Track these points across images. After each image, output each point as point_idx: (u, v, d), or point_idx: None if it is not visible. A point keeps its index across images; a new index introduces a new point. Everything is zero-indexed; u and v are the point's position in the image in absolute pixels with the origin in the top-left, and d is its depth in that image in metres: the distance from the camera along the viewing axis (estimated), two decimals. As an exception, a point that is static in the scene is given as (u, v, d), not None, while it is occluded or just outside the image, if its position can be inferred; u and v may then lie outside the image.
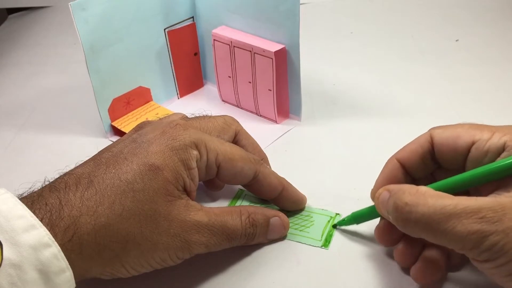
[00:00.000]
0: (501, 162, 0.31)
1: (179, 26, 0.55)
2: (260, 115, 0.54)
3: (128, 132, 0.39)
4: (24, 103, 0.61)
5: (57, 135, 0.55)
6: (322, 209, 0.42)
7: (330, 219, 0.41)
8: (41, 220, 0.30)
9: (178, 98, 0.59)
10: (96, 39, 0.49)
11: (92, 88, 0.50)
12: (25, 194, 0.33)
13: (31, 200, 0.31)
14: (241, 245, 0.38)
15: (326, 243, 0.39)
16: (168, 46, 0.55)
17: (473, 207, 0.29)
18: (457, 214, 0.29)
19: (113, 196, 0.32)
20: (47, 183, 0.34)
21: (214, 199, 0.44)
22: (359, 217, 0.38)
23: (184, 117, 0.41)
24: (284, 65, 0.50)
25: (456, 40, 0.67)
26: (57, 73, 0.67)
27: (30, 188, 0.34)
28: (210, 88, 0.60)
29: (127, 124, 0.53)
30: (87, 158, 0.36)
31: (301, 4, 0.46)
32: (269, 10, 0.48)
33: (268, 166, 0.43)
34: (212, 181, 0.42)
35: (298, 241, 0.39)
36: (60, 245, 0.30)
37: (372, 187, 0.37)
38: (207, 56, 0.59)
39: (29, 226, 0.29)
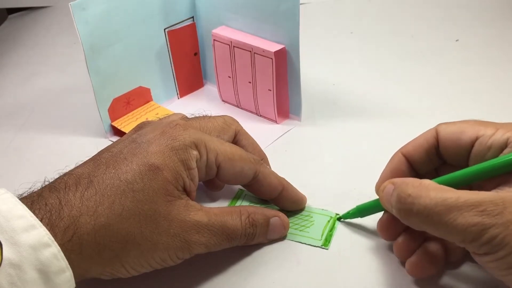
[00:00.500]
0: (504, 158, 0.31)
1: (179, 26, 0.55)
2: (260, 115, 0.54)
3: (128, 132, 0.39)
4: (24, 103, 0.61)
5: (57, 135, 0.55)
6: (322, 209, 0.42)
7: (330, 219, 0.41)
8: (41, 220, 0.30)
9: (178, 98, 0.59)
10: (96, 39, 0.49)
11: (92, 88, 0.50)
12: (25, 194, 0.33)
13: (31, 200, 0.31)
14: (241, 245, 0.38)
15: (326, 243, 0.39)
16: (168, 46, 0.55)
17: (474, 200, 0.29)
18: (458, 206, 0.29)
19: (113, 196, 0.32)
20: (47, 183, 0.34)
21: (214, 199, 0.44)
22: (364, 210, 0.39)
23: (184, 117, 0.41)
24: (284, 65, 0.50)
25: (456, 40, 0.67)
26: (57, 73, 0.67)
27: (30, 188, 0.34)
28: (210, 88, 0.60)
29: (127, 124, 0.53)
30: (87, 158, 0.36)
31: (301, 4, 0.46)
32: (269, 10, 0.48)
33: (268, 166, 0.43)
34: (212, 181, 0.42)
35: (298, 241, 0.39)
36: (60, 245, 0.30)
37: (372, 187, 0.37)
38: (207, 56, 0.59)
39: (29, 226, 0.29)
